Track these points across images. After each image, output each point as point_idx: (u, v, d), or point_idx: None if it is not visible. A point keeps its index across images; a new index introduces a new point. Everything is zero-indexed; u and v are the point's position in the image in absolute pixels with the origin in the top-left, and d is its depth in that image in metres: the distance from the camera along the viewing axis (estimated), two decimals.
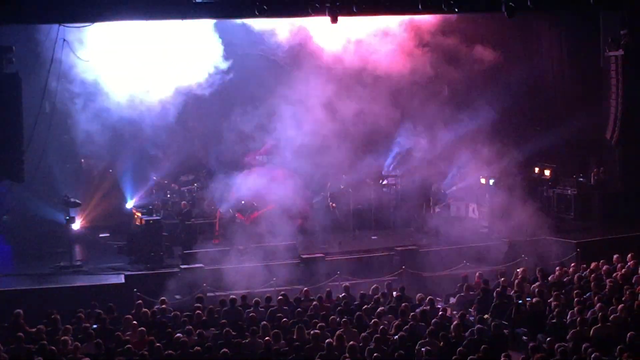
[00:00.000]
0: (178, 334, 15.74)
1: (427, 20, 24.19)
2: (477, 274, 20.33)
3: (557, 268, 20.46)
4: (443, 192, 26.00)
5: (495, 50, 25.36)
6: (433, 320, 16.23)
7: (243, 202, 23.87)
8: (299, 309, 17.39)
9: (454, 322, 16.25)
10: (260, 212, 23.61)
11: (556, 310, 16.69)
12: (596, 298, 17.28)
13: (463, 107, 25.63)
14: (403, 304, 17.50)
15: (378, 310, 17.28)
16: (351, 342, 14.74)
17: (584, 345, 14.32)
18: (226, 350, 14.72)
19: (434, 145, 25.35)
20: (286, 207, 23.09)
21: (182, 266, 21.15)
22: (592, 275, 19.22)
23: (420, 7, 20.25)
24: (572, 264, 20.80)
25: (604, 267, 19.66)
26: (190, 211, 23.64)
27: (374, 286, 19.13)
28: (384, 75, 24.44)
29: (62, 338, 15.48)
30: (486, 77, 25.81)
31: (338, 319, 16.60)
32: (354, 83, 24.64)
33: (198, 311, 17.25)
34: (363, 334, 15.59)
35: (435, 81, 25.29)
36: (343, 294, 18.70)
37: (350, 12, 20.17)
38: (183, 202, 24.00)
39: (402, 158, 26.51)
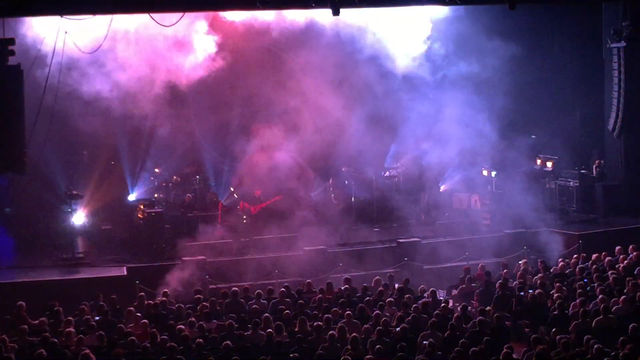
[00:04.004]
0: (180, 326, 15.76)
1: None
2: (479, 265, 20.37)
3: (559, 260, 20.53)
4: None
5: (508, 42, 25.24)
6: (435, 312, 16.25)
7: (243, 192, 23.95)
8: (301, 301, 17.38)
9: (456, 314, 16.27)
10: (267, 204, 23.62)
11: (558, 302, 16.67)
12: (598, 290, 17.27)
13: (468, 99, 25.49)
14: (405, 296, 17.52)
15: (380, 302, 17.29)
16: (353, 334, 14.74)
17: (585, 337, 14.31)
18: (228, 342, 14.73)
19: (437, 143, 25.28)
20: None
21: (184, 258, 21.15)
22: (594, 267, 19.23)
23: None
24: (574, 256, 20.79)
25: (606, 259, 19.66)
26: (193, 203, 23.62)
27: (376, 278, 19.17)
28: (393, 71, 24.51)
29: (67, 330, 15.52)
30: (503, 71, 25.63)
31: (340, 311, 16.62)
32: (359, 77, 24.63)
33: (200, 303, 17.26)
34: (365, 326, 15.62)
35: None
36: (345, 286, 18.71)
37: (352, 4, 20.04)
38: (187, 194, 24.01)
39: (403, 152, 26.47)
